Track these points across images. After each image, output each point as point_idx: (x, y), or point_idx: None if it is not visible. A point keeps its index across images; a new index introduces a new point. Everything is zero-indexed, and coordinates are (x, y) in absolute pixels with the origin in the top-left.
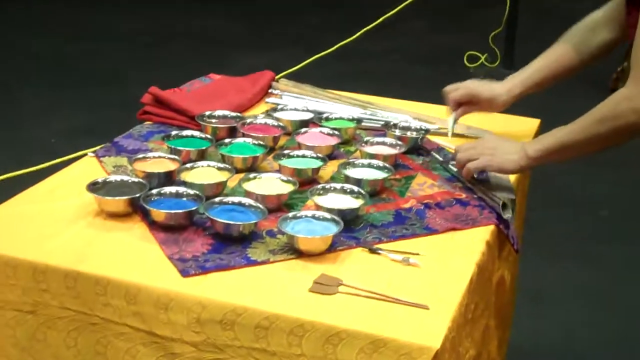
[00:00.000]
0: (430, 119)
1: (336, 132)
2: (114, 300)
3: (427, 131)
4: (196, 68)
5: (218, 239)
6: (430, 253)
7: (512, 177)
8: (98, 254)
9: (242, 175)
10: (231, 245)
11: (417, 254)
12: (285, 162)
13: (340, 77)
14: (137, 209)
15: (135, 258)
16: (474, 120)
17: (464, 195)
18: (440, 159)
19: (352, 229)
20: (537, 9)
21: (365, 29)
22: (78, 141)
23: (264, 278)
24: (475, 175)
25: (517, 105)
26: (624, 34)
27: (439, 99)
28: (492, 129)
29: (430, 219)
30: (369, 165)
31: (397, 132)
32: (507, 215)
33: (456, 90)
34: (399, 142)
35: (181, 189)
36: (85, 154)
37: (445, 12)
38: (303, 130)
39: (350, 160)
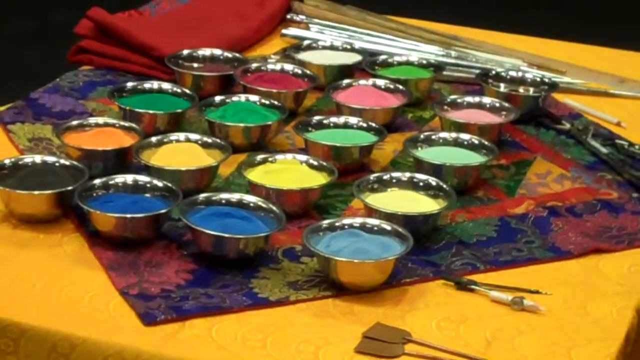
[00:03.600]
0: (560, 67)
1: (400, 87)
2: None
3: (553, 86)
4: None
5: (203, 262)
6: (559, 291)
7: None
8: (4, 285)
9: (243, 156)
10: (225, 272)
11: (537, 292)
12: (314, 135)
13: None
14: (70, 211)
15: (66, 293)
16: None
17: (615, 195)
18: (578, 132)
19: (427, 248)
20: None
21: None
22: None
23: (281, 329)
24: None
25: None
26: None
27: (576, 31)
28: None
29: (558, 233)
30: (456, 143)
31: (503, 88)
32: None
33: None
34: (506, 104)
35: (142, 179)
36: None
37: None
38: (345, 83)
39: (425, 135)
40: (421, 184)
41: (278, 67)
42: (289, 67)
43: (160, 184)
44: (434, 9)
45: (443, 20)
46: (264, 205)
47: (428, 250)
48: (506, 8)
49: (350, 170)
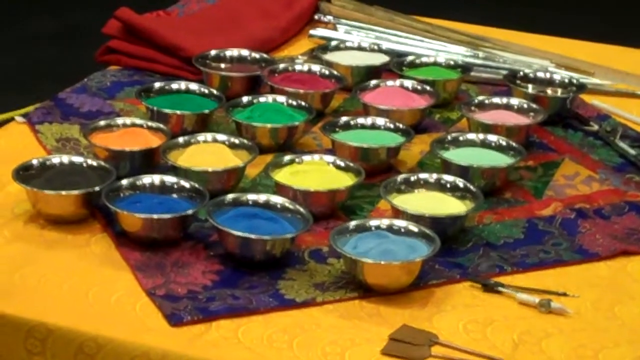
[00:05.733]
0: (588, 68)
1: (427, 88)
2: None
3: (581, 87)
4: None
5: (230, 263)
6: (587, 293)
7: None
8: (32, 286)
9: (270, 157)
10: (251, 274)
11: (565, 295)
12: (342, 136)
13: None
14: (97, 211)
15: (93, 293)
16: None
17: None
18: (607, 133)
19: (454, 250)
20: None
21: None
22: None
23: (307, 330)
24: None
25: None
26: None
27: (603, 32)
28: None
29: (586, 235)
30: (483, 144)
31: (530, 89)
32: None
33: None
34: (534, 106)
35: (169, 180)
36: (11, 119)
37: None
38: (372, 83)
39: (452, 136)
40: (448, 185)
41: (305, 67)
42: (316, 67)
43: (187, 184)
44: (461, 10)
45: (470, 21)
46: (290, 206)
47: (455, 252)
48: (533, 8)
49: (377, 171)
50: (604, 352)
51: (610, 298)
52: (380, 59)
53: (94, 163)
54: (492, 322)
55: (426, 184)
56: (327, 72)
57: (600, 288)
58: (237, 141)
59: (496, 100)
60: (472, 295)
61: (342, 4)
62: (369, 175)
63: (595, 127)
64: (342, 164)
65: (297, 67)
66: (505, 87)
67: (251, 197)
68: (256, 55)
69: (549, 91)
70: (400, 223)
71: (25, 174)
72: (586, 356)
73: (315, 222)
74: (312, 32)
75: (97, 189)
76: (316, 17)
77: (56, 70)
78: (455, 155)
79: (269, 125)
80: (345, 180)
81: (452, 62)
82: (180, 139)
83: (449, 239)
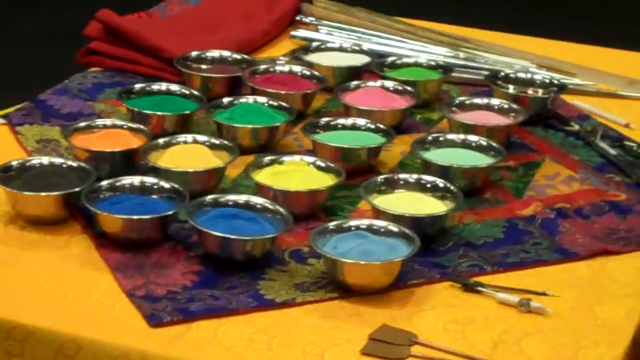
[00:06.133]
0: (570, 69)
1: (409, 89)
2: None
3: (562, 88)
4: None
5: (210, 264)
6: (566, 293)
7: None
8: (11, 287)
9: (251, 158)
10: (231, 274)
11: (544, 294)
12: (323, 137)
13: None
14: (77, 213)
15: (73, 294)
16: None
17: (624, 197)
18: (587, 133)
19: (434, 250)
20: None
21: None
22: None
23: (287, 330)
24: None
25: None
26: None
27: (585, 33)
28: None
29: (566, 235)
30: (464, 145)
31: (511, 89)
32: None
33: None
34: (514, 106)
35: (149, 181)
36: None
37: None
38: (353, 84)
39: (433, 136)
40: (429, 185)
41: (286, 68)
42: (297, 68)
43: (167, 185)
44: (444, 11)
45: (452, 22)
46: (270, 206)
47: (435, 252)
48: (514, 9)
49: (358, 172)
50: (583, 351)
51: (590, 298)
52: (361, 60)
53: (74, 164)
54: (471, 322)
55: (406, 185)
56: (308, 73)
57: (579, 288)
58: (217, 142)
59: (477, 100)
60: (452, 295)
61: (324, 5)
62: (349, 175)
63: (576, 127)
64: (322, 164)
65: (278, 68)
66: (486, 87)
67: (231, 197)
68: (237, 56)
69: (530, 91)
70: (380, 223)
71: (4, 175)
72: (565, 356)
73: (295, 222)
74: (293, 33)
75: (76, 190)
76: (298, 18)
77: (42, 72)
78: (435, 156)
79: (249, 126)
80: (325, 181)
81: (433, 63)
82: (161, 140)
83: (429, 239)
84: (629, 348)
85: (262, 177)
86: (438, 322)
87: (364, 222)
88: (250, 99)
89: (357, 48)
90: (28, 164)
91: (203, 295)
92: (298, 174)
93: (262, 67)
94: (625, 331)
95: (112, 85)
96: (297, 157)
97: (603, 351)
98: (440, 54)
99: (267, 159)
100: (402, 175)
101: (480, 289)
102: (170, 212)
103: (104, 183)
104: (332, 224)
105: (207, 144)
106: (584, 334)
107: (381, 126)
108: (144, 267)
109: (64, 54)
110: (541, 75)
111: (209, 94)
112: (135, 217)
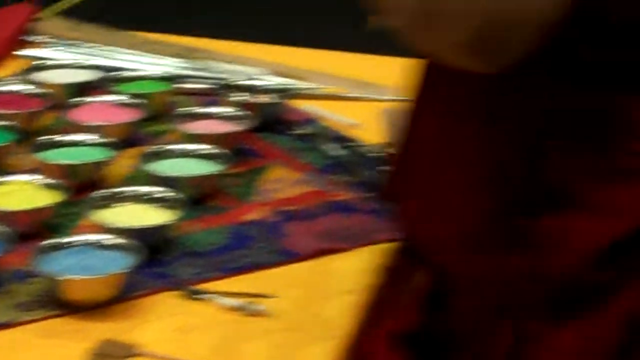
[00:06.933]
0: (301, 74)
1: (137, 102)
2: None
3: (289, 93)
4: None
5: None
6: (288, 293)
7: None
8: None
9: None
10: None
11: (264, 296)
12: (50, 154)
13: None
14: None
15: None
16: None
17: (347, 196)
18: (312, 136)
19: (160, 260)
20: None
21: None
22: None
23: (10, 351)
24: None
25: None
26: None
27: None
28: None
29: (290, 237)
30: (192, 155)
31: (238, 97)
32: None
33: None
34: (242, 113)
35: None
36: None
37: None
38: (79, 100)
39: (160, 148)
40: (155, 196)
41: (16, 88)
42: (23, 87)
43: None
44: (179, 21)
45: (186, 33)
46: None
47: (161, 262)
48: (251, 16)
49: (84, 188)
50: (305, 350)
51: (311, 297)
52: (92, 76)
53: None
54: (195, 329)
55: (134, 197)
56: (37, 92)
57: (301, 288)
58: None
59: (205, 110)
60: (176, 304)
61: (56, 24)
62: (78, 191)
63: (303, 131)
64: (48, 182)
65: (3, 89)
66: (217, 96)
67: None
68: None
69: (260, 98)
70: (103, 237)
71: None
72: (286, 355)
73: (20, 241)
74: (20, 52)
75: None
76: (27, 37)
77: None
78: (163, 167)
79: None
80: (52, 199)
81: (163, 75)
82: None
83: (155, 250)
84: (344, 340)
85: None
86: (162, 332)
87: (89, 238)
88: None
89: (89, 64)
90: None
91: None
92: (22, 192)
93: None
94: (342, 325)
95: None
96: (22, 177)
97: (322, 346)
98: (170, 64)
99: None
100: (129, 188)
101: (202, 296)
102: None
103: None
104: (52, 241)
105: None
106: (304, 332)
107: (108, 140)
108: None
109: None
110: (270, 81)
111: None
112: None
